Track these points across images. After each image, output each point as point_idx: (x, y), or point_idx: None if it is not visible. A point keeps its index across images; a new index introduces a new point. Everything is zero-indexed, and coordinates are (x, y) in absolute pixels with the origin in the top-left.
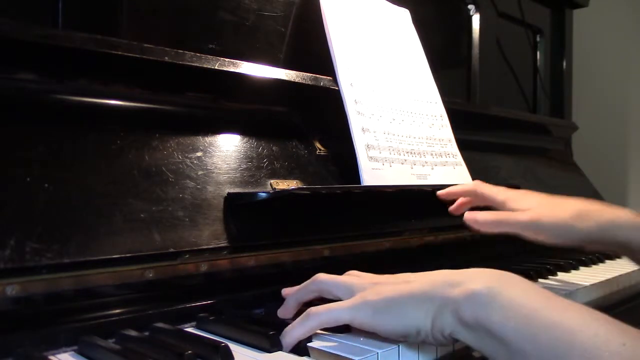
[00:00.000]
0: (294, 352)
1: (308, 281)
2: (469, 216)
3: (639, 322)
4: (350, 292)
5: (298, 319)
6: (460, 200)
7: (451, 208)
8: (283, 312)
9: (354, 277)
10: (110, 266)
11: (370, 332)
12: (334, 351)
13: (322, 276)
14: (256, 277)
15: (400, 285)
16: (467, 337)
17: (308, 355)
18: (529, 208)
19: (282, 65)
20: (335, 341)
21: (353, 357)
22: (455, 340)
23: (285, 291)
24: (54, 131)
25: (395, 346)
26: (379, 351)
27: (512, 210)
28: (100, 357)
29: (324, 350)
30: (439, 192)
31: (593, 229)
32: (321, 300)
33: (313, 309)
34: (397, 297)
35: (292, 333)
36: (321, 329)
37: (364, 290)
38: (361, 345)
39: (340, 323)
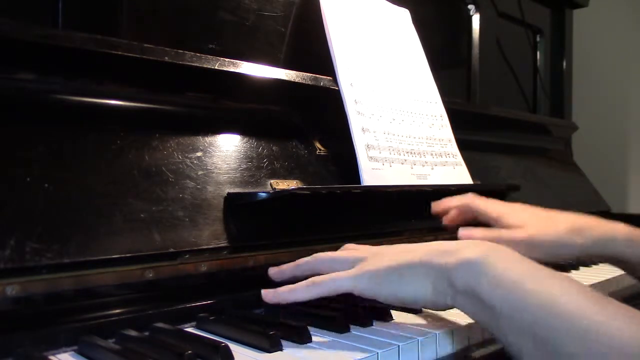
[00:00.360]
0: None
1: (307, 258)
2: (464, 233)
3: None
4: (351, 264)
5: (301, 283)
6: (453, 212)
7: (445, 220)
8: (276, 274)
9: (352, 251)
10: (110, 266)
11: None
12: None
13: (321, 254)
14: (256, 277)
15: (398, 254)
16: (461, 304)
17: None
18: (522, 224)
19: (282, 65)
20: (336, 341)
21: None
22: (453, 307)
23: (274, 269)
24: (54, 131)
25: (395, 346)
26: (379, 351)
27: (507, 225)
28: (100, 357)
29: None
30: (433, 206)
31: (588, 245)
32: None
33: (317, 277)
34: (396, 266)
35: (294, 293)
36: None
37: (363, 261)
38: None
39: (342, 291)
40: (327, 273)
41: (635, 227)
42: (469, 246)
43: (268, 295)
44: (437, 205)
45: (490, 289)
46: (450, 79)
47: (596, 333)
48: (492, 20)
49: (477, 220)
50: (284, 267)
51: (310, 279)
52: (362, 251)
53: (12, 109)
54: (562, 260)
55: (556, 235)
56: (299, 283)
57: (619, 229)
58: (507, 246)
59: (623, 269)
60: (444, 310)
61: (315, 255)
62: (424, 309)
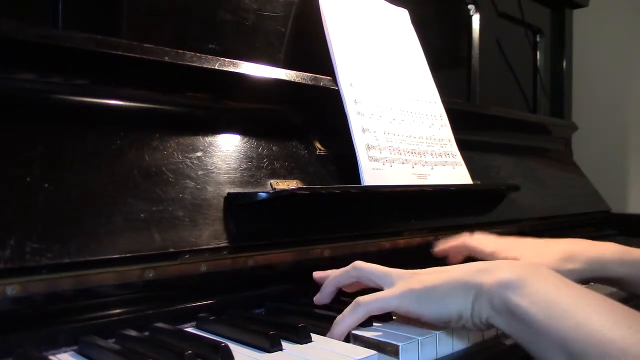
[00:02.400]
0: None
1: (347, 267)
2: None
3: None
4: (390, 280)
5: (346, 310)
6: (452, 253)
7: (449, 261)
8: (320, 298)
9: (389, 268)
10: (110, 266)
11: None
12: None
13: (361, 263)
14: (256, 277)
15: (439, 274)
16: (499, 322)
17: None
18: (517, 257)
19: (282, 65)
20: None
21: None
22: (491, 326)
23: (319, 274)
24: (54, 131)
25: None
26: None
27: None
28: (100, 357)
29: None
30: (434, 251)
31: (582, 269)
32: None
33: (361, 298)
34: (438, 285)
35: (344, 322)
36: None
37: (404, 279)
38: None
39: (388, 310)
40: (367, 283)
41: (631, 231)
42: (505, 265)
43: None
44: (434, 252)
45: (527, 306)
46: (450, 79)
47: (626, 354)
48: (492, 20)
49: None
50: (324, 286)
51: (353, 303)
52: (396, 270)
53: (12, 109)
54: None
55: (550, 264)
56: (344, 311)
57: (610, 249)
58: None
59: (618, 288)
60: (483, 330)
61: (355, 263)
62: None
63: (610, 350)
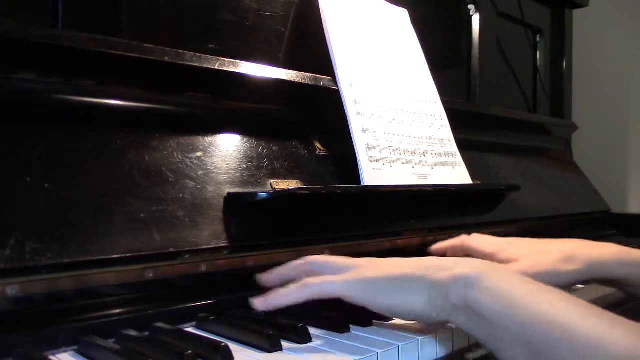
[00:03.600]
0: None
1: (298, 260)
2: None
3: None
4: (344, 269)
5: (291, 286)
6: (450, 253)
7: None
8: (266, 278)
9: (345, 257)
10: (110, 266)
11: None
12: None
13: (314, 257)
14: None
15: (395, 266)
16: (456, 318)
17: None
18: (516, 258)
19: (282, 65)
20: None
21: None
22: (447, 322)
23: (262, 274)
24: (54, 131)
25: (395, 346)
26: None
27: (501, 261)
28: (100, 357)
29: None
30: (430, 250)
31: (581, 270)
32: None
33: (310, 279)
34: (391, 276)
35: (286, 296)
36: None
37: (357, 268)
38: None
39: (334, 296)
40: (319, 276)
41: (631, 231)
42: (464, 262)
43: (257, 303)
44: (431, 251)
45: (487, 302)
46: (450, 79)
47: (593, 343)
48: (492, 20)
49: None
50: (273, 270)
51: (302, 281)
52: (355, 259)
53: (12, 109)
54: (559, 287)
55: (549, 265)
56: (290, 285)
57: (609, 250)
58: None
59: (617, 288)
60: (437, 325)
61: (306, 257)
62: None
63: (576, 343)
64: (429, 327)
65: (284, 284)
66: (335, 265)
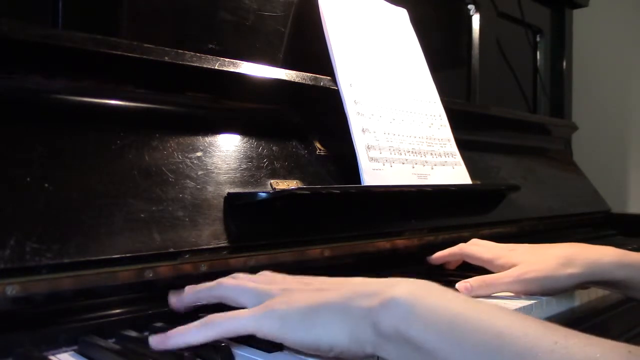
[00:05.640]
0: None
1: (211, 283)
2: (461, 286)
3: (630, 325)
4: (258, 299)
5: (195, 323)
6: (450, 261)
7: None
8: (176, 302)
9: (261, 283)
10: (110, 266)
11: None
12: None
13: (226, 280)
14: None
15: (313, 293)
16: (390, 353)
17: None
18: (515, 263)
19: (282, 65)
20: None
21: None
22: (374, 357)
23: (172, 297)
24: (54, 131)
25: None
26: None
27: (500, 266)
28: (100, 357)
29: None
30: (430, 259)
31: (580, 273)
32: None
33: (214, 316)
34: (309, 307)
35: (185, 337)
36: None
37: (272, 298)
38: None
39: (244, 333)
40: (231, 303)
41: (631, 232)
42: (394, 284)
43: (154, 340)
44: (431, 260)
45: (424, 328)
46: (450, 79)
47: (531, 352)
48: (492, 20)
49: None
50: (184, 293)
51: (205, 318)
52: (272, 283)
53: (12, 109)
54: (560, 291)
55: (549, 269)
56: (192, 324)
57: (608, 253)
58: (502, 289)
59: (616, 291)
60: None
61: (219, 280)
62: None
63: (528, 357)
64: None
65: (193, 308)
66: (250, 291)
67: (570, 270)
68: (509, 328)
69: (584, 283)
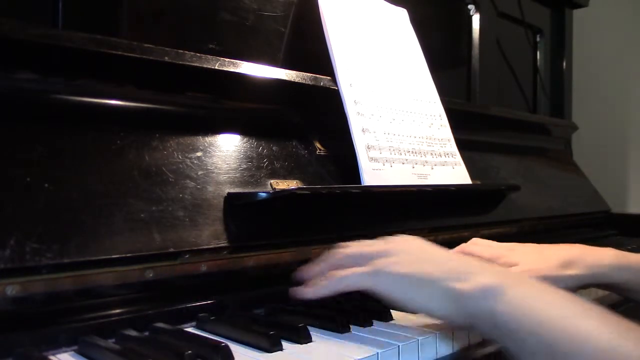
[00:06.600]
0: None
1: (328, 254)
2: None
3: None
4: (367, 260)
5: (323, 279)
6: None
7: None
8: (301, 275)
9: (367, 245)
10: (110, 266)
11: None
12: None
13: (342, 245)
14: (256, 277)
15: (416, 264)
16: (475, 325)
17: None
18: (516, 263)
19: (282, 65)
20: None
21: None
22: (472, 327)
23: (298, 273)
24: (54, 131)
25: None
26: (379, 351)
27: (501, 266)
28: (100, 357)
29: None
30: None
31: (582, 275)
32: None
33: (337, 272)
34: (414, 277)
35: (316, 290)
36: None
37: (381, 258)
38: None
39: (360, 288)
40: (346, 266)
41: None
42: (485, 271)
43: (294, 293)
44: None
45: (506, 312)
46: (450, 79)
47: (608, 354)
48: (492, 20)
49: None
50: (306, 267)
51: (328, 274)
52: (378, 246)
53: (12, 109)
54: None
55: (549, 270)
56: (319, 281)
57: (608, 254)
58: None
59: (616, 293)
60: (462, 329)
61: (332, 250)
62: None
63: (593, 353)
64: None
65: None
66: (360, 255)
67: (571, 272)
68: (575, 319)
69: (584, 285)
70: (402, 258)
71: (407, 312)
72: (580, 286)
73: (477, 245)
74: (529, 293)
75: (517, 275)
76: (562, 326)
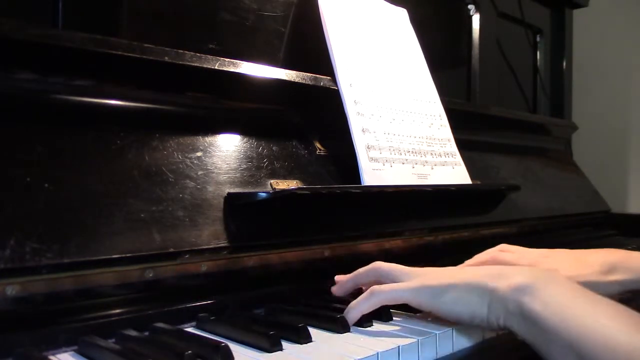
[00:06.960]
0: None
1: (367, 267)
2: None
3: None
4: (408, 276)
5: (362, 296)
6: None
7: None
8: (338, 290)
9: (406, 267)
10: (110, 266)
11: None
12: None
13: (380, 263)
14: (256, 277)
15: (454, 274)
16: (514, 325)
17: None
18: (555, 269)
19: (282, 65)
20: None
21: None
22: (506, 328)
23: (340, 276)
24: (54, 131)
25: (395, 346)
26: (379, 351)
27: None
28: (100, 357)
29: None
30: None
31: (624, 281)
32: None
33: (377, 287)
34: (453, 284)
35: (358, 308)
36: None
37: (420, 276)
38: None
39: (401, 302)
40: (386, 281)
41: None
42: (520, 270)
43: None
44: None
45: (540, 310)
46: (450, 79)
47: (634, 359)
48: (492, 20)
49: None
50: (343, 280)
51: (370, 289)
52: (417, 269)
53: (12, 109)
54: None
55: (590, 276)
56: (360, 297)
57: None
58: None
59: None
60: (497, 330)
61: (373, 265)
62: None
63: (620, 355)
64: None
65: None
66: (401, 272)
67: (614, 278)
68: (602, 322)
69: (626, 291)
70: (438, 274)
71: (389, 318)
72: (622, 292)
73: (509, 252)
74: (561, 292)
75: (552, 274)
76: (593, 328)
